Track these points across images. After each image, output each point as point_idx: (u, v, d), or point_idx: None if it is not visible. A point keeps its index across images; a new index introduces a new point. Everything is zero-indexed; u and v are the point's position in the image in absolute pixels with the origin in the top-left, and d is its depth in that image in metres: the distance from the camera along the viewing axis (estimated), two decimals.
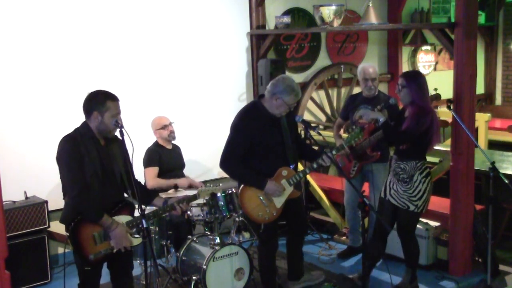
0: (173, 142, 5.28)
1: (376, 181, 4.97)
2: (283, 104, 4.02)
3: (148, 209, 3.81)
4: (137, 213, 3.54)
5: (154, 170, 5.05)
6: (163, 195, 4.54)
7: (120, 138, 3.41)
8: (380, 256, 4.59)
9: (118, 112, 3.50)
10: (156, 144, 5.19)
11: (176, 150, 5.32)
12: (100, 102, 3.45)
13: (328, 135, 5.56)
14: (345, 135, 5.37)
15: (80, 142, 3.43)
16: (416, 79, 4.24)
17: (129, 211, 3.59)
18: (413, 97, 4.19)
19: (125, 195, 3.70)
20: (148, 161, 5.07)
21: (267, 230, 4.23)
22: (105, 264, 3.64)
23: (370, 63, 5.31)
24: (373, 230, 4.65)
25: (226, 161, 4.09)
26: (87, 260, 3.46)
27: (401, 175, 4.28)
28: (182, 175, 5.31)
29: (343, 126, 5.44)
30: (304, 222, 4.62)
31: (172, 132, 5.19)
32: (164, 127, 5.15)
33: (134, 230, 3.55)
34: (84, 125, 3.52)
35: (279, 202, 4.13)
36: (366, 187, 5.26)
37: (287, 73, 6.42)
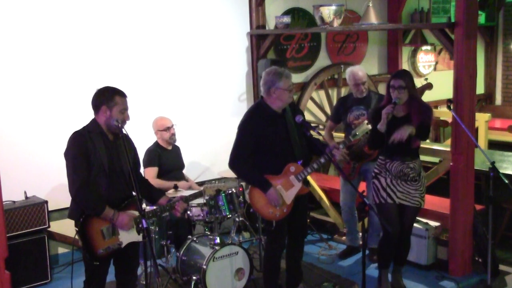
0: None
1: None
2: (282, 91, 4.02)
3: (149, 208, 3.83)
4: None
5: (154, 170, 5.05)
6: None
7: (127, 135, 3.50)
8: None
9: (126, 108, 3.57)
10: (156, 144, 5.19)
11: (175, 150, 5.32)
12: (108, 97, 3.52)
13: (342, 136, 5.53)
14: (337, 134, 5.37)
15: (87, 138, 3.50)
16: (410, 77, 4.22)
17: (136, 207, 3.60)
18: (412, 94, 4.19)
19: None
20: (148, 162, 5.07)
21: (277, 228, 4.21)
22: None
23: (358, 66, 5.27)
24: (383, 235, 4.55)
25: (234, 162, 4.11)
26: (96, 255, 3.49)
27: (411, 174, 4.25)
28: (182, 176, 5.31)
29: (334, 129, 5.43)
30: (305, 226, 4.56)
31: (173, 134, 5.18)
32: (167, 129, 5.15)
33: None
34: (93, 121, 3.59)
35: (288, 198, 4.11)
36: (362, 186, 5.25)
37: None
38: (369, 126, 4.14)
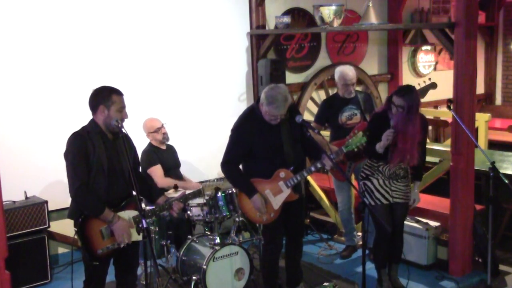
0: (168, 142, 5.26)
1: None
2: (267, 114, 4.01)
3: (148, 208, 3.84)
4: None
5: (158, 168, 5.03)
6: None
7: (126, 134, 3.51)
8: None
9: (123, 106, 3.57)
10: (150, 145, 5.17)
11: (170, 149, 5.30)
12: (105, 96, 3.52)
13: (327, 135, 5.54)
14: (324, 133, 5.36)
15: (87, 138, 3.50)
16: (412, 96, 4.12)
17: (135, 207, 3.60)
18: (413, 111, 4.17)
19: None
20: (149, 162, 5.05)
21: (271, 229, 4.23)
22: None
23: (348, 66, 5.25)
24: (376, 236, 4.57)
25: (224, 165, 4.16)
26: (95, 254, 3.49)
27: (401, 174, 4.33)
28: (180, 174, 5.30)
29: (320, 131, 5.42)
30: (301, 225, 4.56)
31: (165, 133, 5.17)
32: (158, 129, 5.14)
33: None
34: (91, 121, 3.59)
35: (276, 204, 4.13)
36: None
37: (287, 73, 6.41)
38: (364, 138, 4.07)
